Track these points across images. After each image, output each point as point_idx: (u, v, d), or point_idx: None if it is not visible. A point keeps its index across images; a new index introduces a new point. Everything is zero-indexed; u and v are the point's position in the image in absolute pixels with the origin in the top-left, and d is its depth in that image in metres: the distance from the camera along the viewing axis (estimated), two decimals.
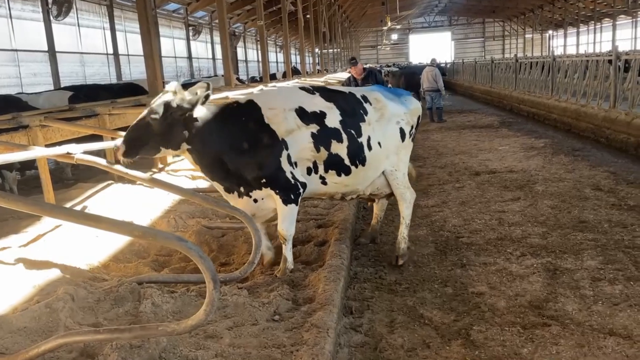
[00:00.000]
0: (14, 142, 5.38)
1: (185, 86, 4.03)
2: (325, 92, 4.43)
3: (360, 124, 4.39)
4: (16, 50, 15.48)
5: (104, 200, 6.27)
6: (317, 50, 31.72)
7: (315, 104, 4.24)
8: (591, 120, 11.84)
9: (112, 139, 5.95)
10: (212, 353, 3.07)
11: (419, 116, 4.93)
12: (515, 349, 3.43)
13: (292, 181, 4.08)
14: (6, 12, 15.03)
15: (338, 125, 4.26)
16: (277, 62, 44.39)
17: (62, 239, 4.95)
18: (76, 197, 6.34)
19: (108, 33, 20.65)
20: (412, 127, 4.81)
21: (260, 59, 38.93)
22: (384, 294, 4.32)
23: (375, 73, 9.70)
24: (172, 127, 3.83)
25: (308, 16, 27.91)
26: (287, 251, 4.31)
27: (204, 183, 7.37)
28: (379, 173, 4.66)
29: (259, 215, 4.27)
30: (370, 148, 4.42)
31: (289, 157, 4.06)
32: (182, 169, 8.03)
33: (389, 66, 38.00)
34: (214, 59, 32.36)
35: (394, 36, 70.06)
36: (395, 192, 4.81)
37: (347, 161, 4.30)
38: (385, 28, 53.03)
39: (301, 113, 4.14)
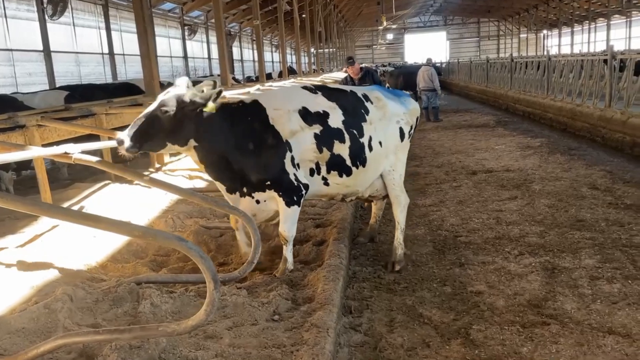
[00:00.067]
0: (11, 142, 5.35)
1: None
2: (327, 91, 4.41)
3: (362, 123, 4.38)
4: (11, 49, 15.40)
5: (101, 200, 6.25)
6: (312, 49, 31.71)
7: (318, 103, 4.23)
8: (587, 120, 11.89)
9: (109, 138, 5.92)
10: (212, 353, 3.05)
11: (418, 117, 4.93)
12: (515, 347, 3.44)
13: (295, 183, 4.07)
14: (1, 12, 14.96)
15: (341, 126, 4.25)
16: (272, 61, 44.35)
17: (59, 239, 4.92)
18: (73, 197, 6.31)
19: (103, 32, 20.57)
20: (411, 127, 4.81)
21: (255, 59, 38.97)
22: (383, 293, 4.32)
23: (373, 73, 9.67)
24: (183, 123, 3.77)
25: (304, 16, 27.90)
26: (288, 252, 4.31)
27: (201, 183, 7.35)
28: (378, 174, 4.65)
29: (260, 216, 4.26)
30: (371, 149, 4.41)
31: (292, 158, 4.04)
32: (179, 169, 8.01)
33: (384, 66, 38.00)
34: (209, 58, 32.31)
35: (390, 36, 70.07)
36: (391, 194, 4.79)
37: (348, 162, 4.29)
38: (380, 28, 53.07)
39: (304, 114, 4.12)
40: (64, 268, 4.26)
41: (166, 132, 3.76)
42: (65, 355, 2.97)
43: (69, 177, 9.26)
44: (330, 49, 43.56)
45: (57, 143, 5.73)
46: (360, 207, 6.61)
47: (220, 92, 3.79)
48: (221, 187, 4.18)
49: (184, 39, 28.51)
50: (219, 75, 19.45)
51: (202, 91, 3.79)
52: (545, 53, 49.23)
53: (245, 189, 4.10)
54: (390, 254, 4.87)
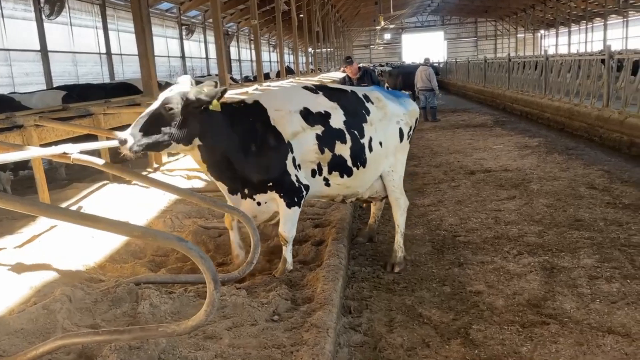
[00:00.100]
0: (9, 142, 5.33)
1: None
2: (328, 91, 4.40)
3: (363, 124, 4.37)
4: (8, 49, 15.35)
5: (100, 200, 6.23)
6: (310, 49, 31.69)
7: (319, 104, 4.21)
8: (584, 119, 11.91)
9: (107, 138, 5.90)
10: (212, 354, 3.05)
11: (417, 118, 4.94)
12: (515, 347, 3.44)
13: (297, 184, 4.05)
14: None
15: (342, 126, 4.23)
16: (270, 61, 44.32)
17: (57, 240, 4.91)
18: (71, 197, 6.29)
19: (101, 32, 20.53)
20: (410, 128, 4.81)
21: (253, 59, 38.94)
22: (382, 293, 4.32)
23: (371, 72, 9.65)
24: (187, 120, 3.72)
25: (301, 15, 27.88)
26: (288, 253, 4.29)
27: (199, 183, 7.34)
28: (378, 175, 4.64)
29: (260, 218, 4.24)
30: (371, 149, 4.40)
31: (294, 159, 4.03)
32: (177, 169, 8.00)
33: (382, 65, 38.00)
34: (207, 58, 32.28)
35: (387, 36, 70.11)
36: (391, 196, 4.78)
37: (349, 162, 4.28)
38: (378, 28, 53.09)
39: (306, 114, 4.10)
40: (62, 269, 4.24)
41: (171, 130, 3.69)
42: (65, 356, 2.95)
43: (67, 177, 9.24)
44: (328, 49, 43.55)
45: (55, 143, 5.72)
46: (359, 207, 6.61)
47: (225, 90, 3.77)
48: (222, 188, 4.14)
49: (181, 39, 28.47)
50: (216, 75, 19.46)
51: (203, 90, 3.77)
52: (542, 53, 49.36)
53: (246, 191, 4.08)
54: (390, 255, 4.87)
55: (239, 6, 29.93)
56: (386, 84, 21.27)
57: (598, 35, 48.14)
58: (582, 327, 3.63)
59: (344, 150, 4.23)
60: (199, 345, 3.13)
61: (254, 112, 4.04)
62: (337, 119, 4.22)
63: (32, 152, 4.09)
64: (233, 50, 35.99)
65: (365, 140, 4.36)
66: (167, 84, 14.78)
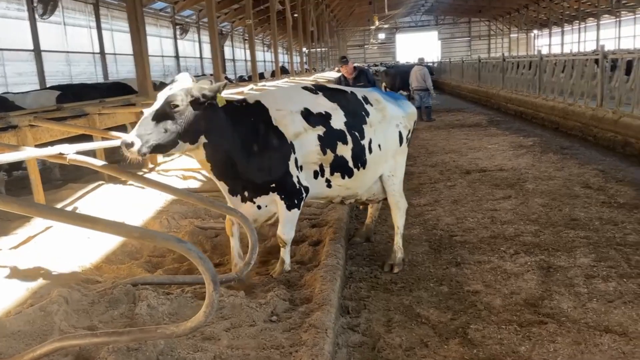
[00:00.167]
0: (3, 142, 5.29)
1: None
2: (328, 92, 4.37)
3: (363, 125, 4.35)
4: (1, 49, 15.25)
5: (95, 200, 6.20)
6: (304, 49, 31.68)
7: (320, 104, 4.18)
8: (579, 119, 11.96)
9: (103, 138, 5.88)
10: (211, 355, 3.03)
11: (415, 121, 4.94)
12: (513, 347, 3.44)
13: (297, 186, 4.02)
14: None
15: (343, 127, 4.20)
16: (264, 61, 44.27)
17: (53, 241, 4.88)
18: (67, 198, 6.25)
19: (94, 32, 20.43)
20: (409, 131, 4.81)
21: (247, 58, 38.89)
22: (380, 293, 4.32)
23: (366, 72, 9.63)
24: (193, 118, 3.61)
25: (296, 15, 27.86)
26: (286, 254, 4.28)
27: (195, 183, 7.32)
28: (377, 177, 4.63)
29: (259, 220, 4.18)
30: (370, 151, 4.38)
31: (296, 160, 3.99)
32: (173, 169, 7.97)
33: (376, 65, 38.03)
34: (201, 58, 32.20)
35: (381, 35, 70.16)
36: (390, 199, 4.77)
37: (351, 163, 4.25)
38: (372, 27, 53.14)
39: (307, 115, 4.07)
40: (58, 270, 4.22)
41: (177, 129, 3.58)
42: (62, 358, 2.93)
43: (61, 177, 9.18)
44: (322, 49, 43.55)
45: (50, 143, 5.68)
46: (355, 207, 6.61)
47: (225, 84, 3.73)
48: (223, 188, 4.06)
49: (175, 39, 28.39)
50: (211, 74, 19.40)
51: (205, 86, 3.71)
52: (535, 53, 49.54)
53: (246, 193, 4.00)
54: (389, 255, 4.86)
55: (233, 6, 29.89)
56: (383, 85, 21.18)
57: (591, 35, 48.40)
58: (580, 326, 3.64)
59: (345, 151, 4.20)
60: (198, 346, 3.12)
61: (256, 112, 3.99)
62: (338, 120, 4.19)
63: (28, 153, 4.06)
64: (227, 50, 35.92)
65: (365, 142, 4.34)
66: (162, 84, 14.75)
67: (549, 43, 56.73)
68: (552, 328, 3.62)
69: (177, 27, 28.50)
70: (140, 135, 3.46)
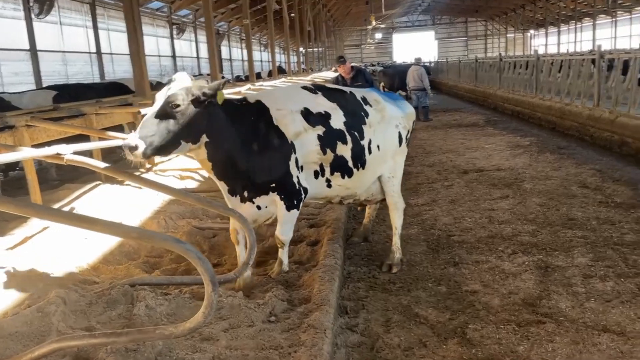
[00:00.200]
0: (0, 142, 5.27)
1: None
2: (327, 92, 4.35)
3: (362, 126, 4.34)
4: None
5: (92, 201, 6.18)
6: (301, 49, 31.68)
7: (319, 104, 4.16)
8: (575, 119, 11.99)
9: (100, 139, 5.86)
10: (209, 356, 3.03)
11: (414, 121, 4.94)
12: (512, 346, 3.45)
13: (297, 186, 3.99)
14: None
15: (342, 127, 4.19)
16: (261, 60, 44.24)
17: (50, 241, 4.87)
18: (64, 198, 6.23)
19: (91, 31, 20.39)
20: (408, 131, 4.81)
21: (244, 58, 38.87)
22: (379, 293, 4.32)
23: (364, 72, 9.62)
24: (195, 117, 3.55)
25: (292, 15, 27.85)
26: (284, 255, 4.26)
27: (192, 183, 7.31)
28: (375, 178, 4.63)
29: (259, 221, 4.13)
30: (370, 151, 4.37)
31: (296, 160, 3.96)
32: (170, 169, 7.95)
33: (373, 65, 38.03)
34: (198, 57, 32.16)
35: (378, 35, 70.25)
36: (389, 200, 4.77)
37: (350, 163, 4.23)
38: (369, 27, 53.17)
39: (307, 114, 4.04)
40: (55, 270, 4.20)
41: (180, 131, 3.52)
42: (60, 359, 2.92)
43: (58, 177, 9.16)
44: (319, 49, 43.55)
45: (47, 144, 5.66)
46: (353, 207, 6.60)
47: (225, 82, 3.69)
48: (223, 188, 4.01)
49: (172, 38, 28.34)
50: (208, 74, 19.38)
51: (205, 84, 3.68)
52: (532, 53, 49.64)
53: (246, 194, 3.95)
54: (387, 255, 4.86)
55: (230, 5, 29.87)
56: (381, 85, 21.13)
57: (587, 35, 48.54)
58: (578, 325, 3.65)
59: (345, 150, 4.18)
60: (196, 347, 3.11)
61: (257, 111, 3.95)
62: (337, 120, 4.18)
63: (25, 153, 4.04)
64: (224, 50, 35.89)
65: (365, 142, 4.33)
66: (159, 84, 14.73)
67: (545, 43, 56.90)
68: (551, 328, 3.63)
69: (174, 26, 28.46)
70: (143, 137, 3.38)
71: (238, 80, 23.15)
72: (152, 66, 24.35)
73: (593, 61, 12.03)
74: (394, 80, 21.10)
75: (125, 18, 8.37)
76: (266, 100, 4.05)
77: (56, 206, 5.87)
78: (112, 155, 10.58)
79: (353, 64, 9.68)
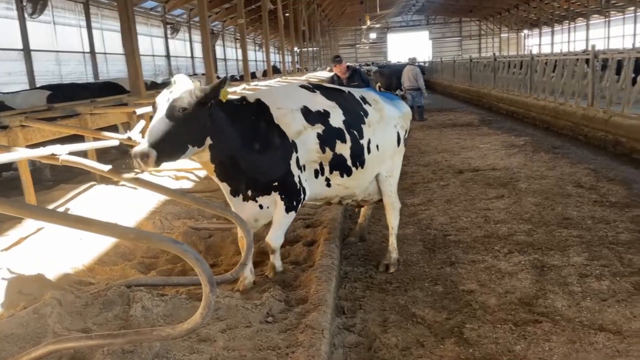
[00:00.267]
0: None
1: (167, 85, 3.86)
2: (325, 90, 4.34)
3: (362, 125, 4.33)
4: None
5: (87, 201, 6.15)
6: (296, 48, 31.67)
7: (317, 102, 4.14)
8: (570, 118, 12.04)
9: (95, 139, 5.84)
10: (207, 357, 3.02)
11: (410, 120, 4.94)
12: (509, 346, 3.45)
13: (298, 186, 3.95)
14: None
15: (341, 125, 4.17)
16: (255, 60, 44.19)
17: (45, 242, 4.83)
18: (58, 199, 6.19)
19: (84, 31, 20.29)
20: (405, 131, 4.81)
21: (238, 58, 38.78)
22: (375, 293, 4.32)
23: (360, 72, 9.58)
24: (199, 119, 3.49)
25: (287, 14, 27.84)
26: (276, 260, 4.19)
27: (188, 183, 7.29)
28: (373, 178, 4.62)
29: (261, 222, 4.07)
30: (369, 151, 4.36)
31: (297, 160, 3.94)
32: (165, 169, 7.92)
33: (367, 65, 38.06)
34: (192, 57, 32.07)
35: (373, 35, 70.35)
36: (386, 199, 4.76)
37: (349, 162, 4.22)
38: (364, 27, 53.20)
39: (306, 113, 4.02)
40: (51, 272, 4.18)
41: (186, 135, 3.47)
42: None
43: (52, 178, 9.11)
44: (314, 48, 43.54)
45: (42, 144, 5.62)
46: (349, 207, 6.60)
47: (225, 80, 3.64)
48: (225, 189, 3.96)
49: (166, 38, 28.25)
50: (203, 74, 19.33)
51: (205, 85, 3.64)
52: (525, 52, 49.87)
53: (249, 192, 3.91)
54: (384, 255, 4.86)
55: (224, 5, 29.81)
56: (378, 85, 21.12)
57: (580, 35, 48.74)
58: (574, 325, 3.66)
59: (344, 149, 4.16)
60: (193, 348, 3.10)
61: (257, 110, 3.92)
62: (337, 118, 4.16)
63: (20, 154, 4.02)
64: (218, 49, 35.81)
65: (364, 141, 4.31)
66: (153, 83, 14.67)
67: (539, 43, 57.10)
68: (547, 327, 3.64)
69: (168, 26, 28.37)
70: (153, 144, 3.30)
71: (233, 79, 23.10)
72: (147, 66, 24.22)
73: (587, 61, 12.08)
74: (391, 79, 21.05)
75: (119, 17, 8.34)
76: (266, 99, 4.02)
77: (51, 207, 5.84)
78: (107, 156, 10.54)
79: (349, 64, 9.63)
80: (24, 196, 5.59)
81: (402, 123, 4.75)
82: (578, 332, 3.55)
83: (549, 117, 13.23)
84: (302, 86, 4.34)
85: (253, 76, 22.12)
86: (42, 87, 11.32)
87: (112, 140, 5.45)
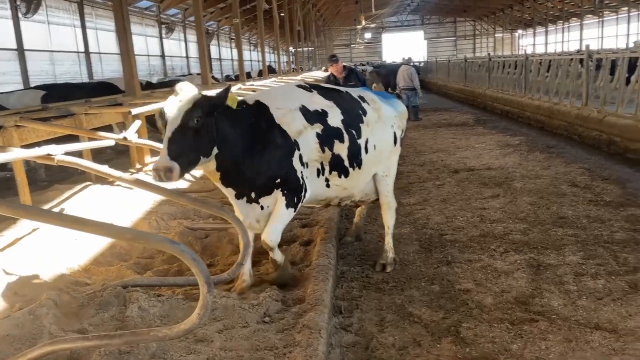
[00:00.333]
0: None
1: (162, 85, 3.84)
2: (323, 90, 4.33)
3: (360, 124, 4.32)
4: None
5: (82, 202, 6.12)
6: (291, 48, 31.65)
7: (315, 102, 4.13)
8: (564, 118, 12.08)
9: (90, 139, 5.81)
10: (204, 357, 3.01)
11: (406, 119, 4.94)
12: (505, 345, 3.46)
13: (301, 181, 3.92)
14: None
15: (340, 125, 4.16)
16: (250, 60, 44.11)
17: (40, 243, 4.81)
18: (53, 199, 6.16)
19: (79, 31, 20.17)
20: (402, 130, 4.81)
21: (234, 57, 38.74)
22: (372, 293, 4.32)
23: (357, 72, 9.57)
24: (211, 129, 3.44)
25: (282, 14, 27.81)
26: (276, 255, 4.07)
27: (184, 183, 7.26)
28: (370, 178, 4.62)
29: (262, 223, 3.99)
30: (367, 151, 4.35)
31: (300, 157, 3.91)
32: None
33: (362, 65, 38.07)
34: (187, 57, 31.97)
35: (368, 35, 70.34)
36: (383, 199, 4.76)
37: (346, 162, 4.20)
38: (359, 27, 53.24)
39: (305, 112, 4.01)
40: (46, 272, 4.15)
41: (199, 145, 3.40)
42: None
43: (47, 178, 9.07)
44: (309, 48, 43.52)
45: (36, 144, 5.59)
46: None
47: (229, 88, 3.60)
48: (230, 193, 3.89)
49: (161, 38, 28.15)
50: (198, 74, 19.28)
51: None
52: (519, 52, 50.07)
53: (253, 194, 3.86)
54: (380, 255, 4.86)
55: (219, 4, 29.73)
56: (374, 85, 21.11)
57: (574, 35, 48.93)
58: (570, 323, 3.67)
59: (341, 149, 4.15)
60: (190, 348, 3.10)
61: (257, 112, 3.89)
62: (335, 118, 4.15)
63: (15, 154, 3.99)
64: (213, 49, 35.71)
65: (362, 141, 4.31)
66: (148, 83, 14.62)
67: (533, 43, 57.27)
68: (543, 326, 3.65)
69: (163, 26, 28.28)
70: (175, 157, 3.24)
71: (228, 79, 23.08)
72: (141, 66, 24.15)
73: (581, 61, 12.13)
74: (389, 79, 21.02)
75: (114, 17, 8.32)
76: (265, 100, 4.00)
77: (46, 207, 5.81)
78: (103, 155, 10.51)
79: (345, 64, 9.60)
80: (19, 196, 5.56)
81: (399, 122, 4.76)
82: (574, 331, 3.57)
83: (544, 117, 13.28)
84: (300, 86, 4.34)
85: (248, 76, 22.08)
86: (37, 87, 11.27)
87: (107, 140, 5.43)
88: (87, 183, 6.86)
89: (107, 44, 21.34)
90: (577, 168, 8.37)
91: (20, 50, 16.46)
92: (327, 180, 4.18)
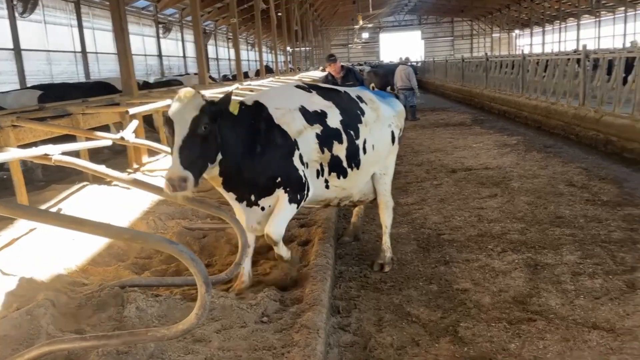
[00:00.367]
0: None
1: (159, 85, 3.83)
2: (322, 90, 4.33)
3: (358, 125, 4.31)
4: None
5: (80, 202, 6.10)
6: (289, 48, 31.65)
7: (314, 102, 4.13)
8: (561, 118, 12.11)
9: (87, 139, 5.80)
10: (202, 357, 3.01)
11: (404, 119, 4.94)
12: (503, 344, 3.47)
13: (303, 180, 3.90)
14: None
15: (339, 125, 4.15)
16: (248, 60, 44.09)
17: (37, 243, 4.79)
18: (50, 199, 6.14)
19: (76, 30, 20.15)
20: (400, 130, 4.81)
21: (231, 57, 38.73)
22: (370, 293, 4.32)
23: (355, 72, 9.55)
24: (215, 135, 3.40)
25: (280, 14, 27.82)
26: (281, 249, 4.01)
27: None
28: (368, 178, 4.62)
29: (263, 224, 3.95)
30: (365, 151, 4.35)
31: (301, 156, 3.90)
32: (158, 169, 7.89)
33: (360, 65, 38.08)
34: (184, 57, 31.96)
35: (365, 35, 70.41)
36: (380, 198, 4.75)
37: (345, 163, 4.19)
38: (356, 27, 53.24)
39: (304, 113, 4.00)
40: (43, 272, 4.14)
41: (206, 153, 3.36)
42: None
43: (44, 178, 9.04)
44: (307, 48, 43.52)
45: (33, 144, 5.59)
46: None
47: (231, 93, 3.58)
48: (231, 197, 3.86)
49: (158, 37, 28.12)
50: (195, 74, 19.27)
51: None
52: (517, 52, 50.14)
53: (253, 197, 3.84)
54: (378, 255, 4.86)
55: (217, 4, 29.73)
56: (371, 85, 21.10)
57: (571, 35, 49.05)
58: (568, 323, 3.68)
59: (340, 150, 4.15)
60: (188, 348, 3.09)
61: (257, 113, 3.87)
62: (334, 118, 4.14)
63: (13, 154, 3.99)
64: (211, 49, 35.70)
65: (360, 142, 4.30)
66: (145, 83, 14.59)
67: (530, 43, 57.40)
68: (541, 325, 3.66)
69: (160, 25, 28.25)
70: (188, 166, 3.18)
71: (225, 79, 23.05)
72: (139, 65, 24.10)
73: (578, 61, 12.16)
74: (386, 79, 20.99)
75: (111, 17, 8.29)
76: (264, 100, 3.98)
77: (43, 207, 5.79)
78: (100, 155, 10.49)
79: (343, 64, 9.58)
80: (16, 196, 5.54)
81: (397, 122, 4.76)
82: (572, 330, 3.58)
83: (541, 117, 13.30)
84: (298, 86, 4.33)
85: (245, 76, 22.07)
86: (33, 87, 11.24)
87: (104, 140, 5.42)
88: (85, 183, 6.84)
89: (104, 43, 21.31)
90: (574, 168, 8.39)
91: (17, 50, 16.43)
92: (326, 181, 4.17)
